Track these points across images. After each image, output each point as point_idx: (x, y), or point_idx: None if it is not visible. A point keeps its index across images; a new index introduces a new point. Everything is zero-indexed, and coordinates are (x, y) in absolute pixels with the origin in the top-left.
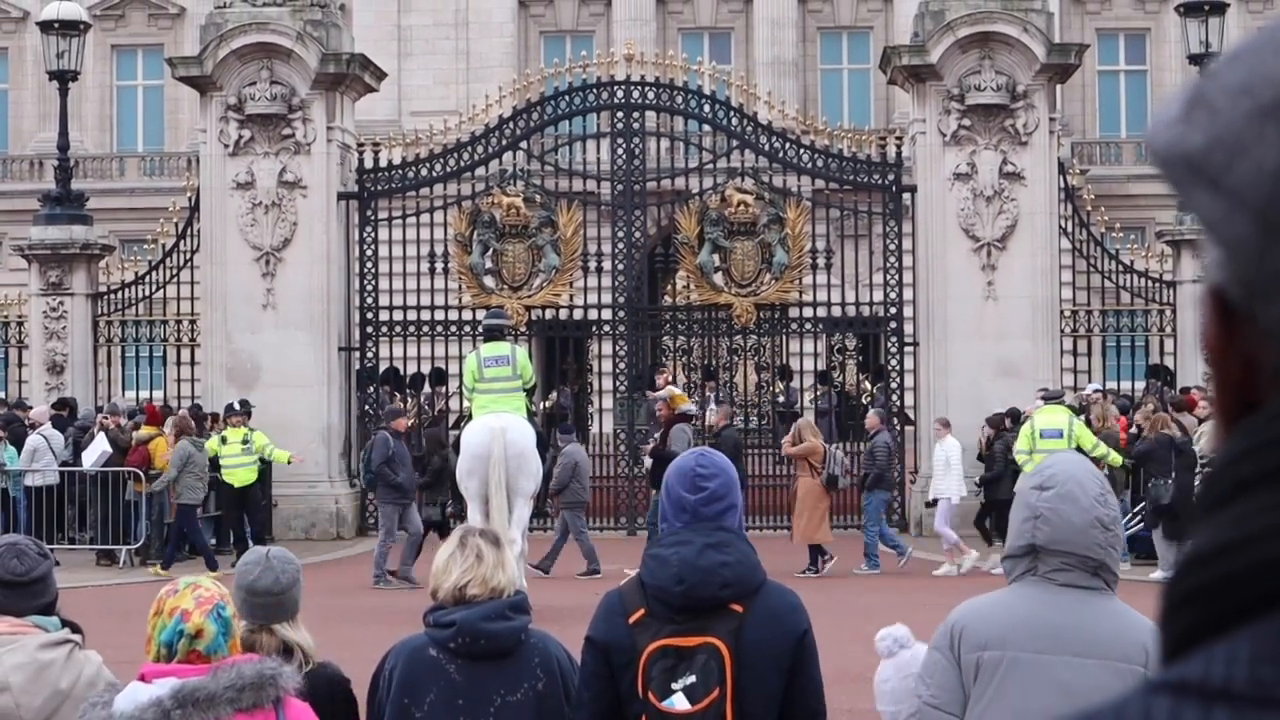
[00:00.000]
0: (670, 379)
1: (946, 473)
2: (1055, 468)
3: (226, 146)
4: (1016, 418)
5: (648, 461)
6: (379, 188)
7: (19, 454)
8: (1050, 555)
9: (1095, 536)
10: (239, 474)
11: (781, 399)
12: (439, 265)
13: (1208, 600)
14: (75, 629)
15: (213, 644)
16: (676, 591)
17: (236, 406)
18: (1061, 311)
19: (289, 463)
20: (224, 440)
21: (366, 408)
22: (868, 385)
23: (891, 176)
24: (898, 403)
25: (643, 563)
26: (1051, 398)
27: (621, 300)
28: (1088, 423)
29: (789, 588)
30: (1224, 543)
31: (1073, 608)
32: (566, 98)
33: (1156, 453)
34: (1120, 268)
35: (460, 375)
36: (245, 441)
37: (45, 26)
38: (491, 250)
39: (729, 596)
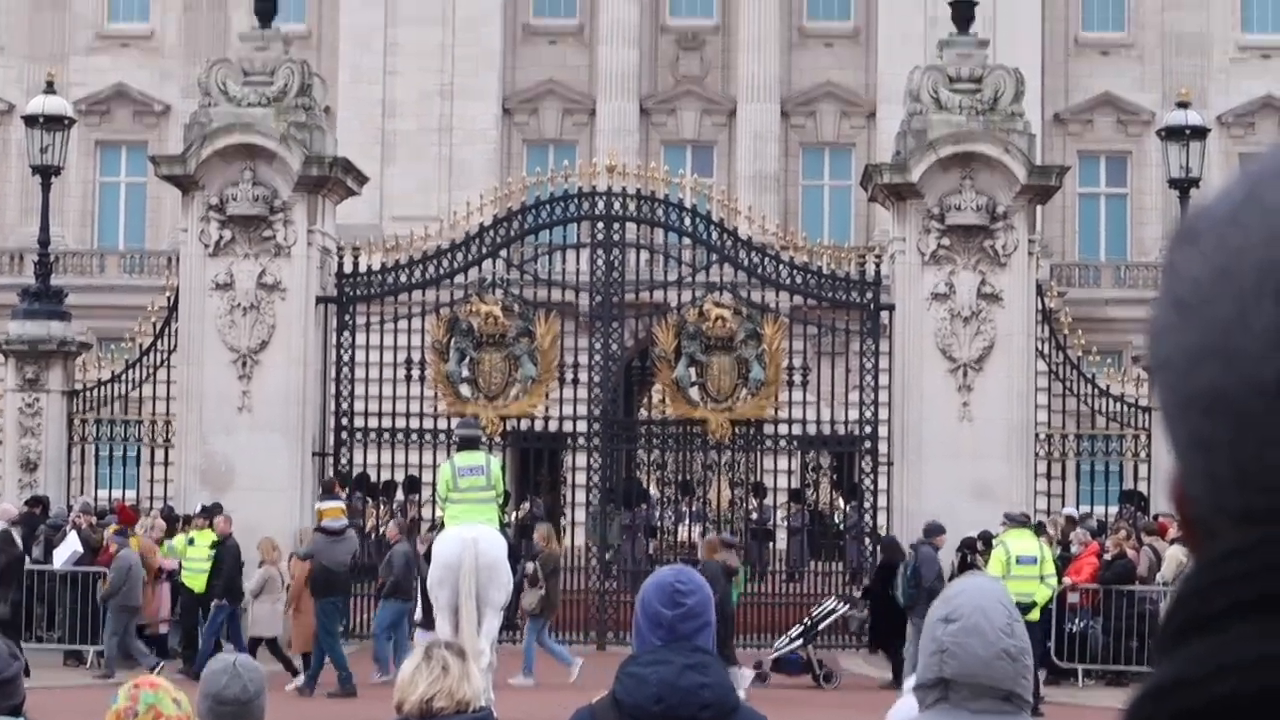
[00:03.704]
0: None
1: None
2: (961, 598)
3: (207, 246)
4: (989, 541)
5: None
6: (358, 292)
7: None
8: (960, 686)
9: (1003, 669)
10: (200, 579)
11: (755, 516)
12: (415, 372)
13: None
14: None
15: None
16: (655, 711)
17: (208, 507)
18: (1036, 434)
19: None
20: (191, 542)
21: None
22: (841, 504)
23: (870, 294)
24: (870, 522)
25: (617, 679)
26: (1018, 522)
27: (597, 413)
28: (1066, 550)
29: (759, 711)
30: (1178, 678)
31: None
32: (548, 207)
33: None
34: (1096, 391)
35: (434, 483)
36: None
37: (30, 120)
38: (469, 359)
39: (708, 718)
